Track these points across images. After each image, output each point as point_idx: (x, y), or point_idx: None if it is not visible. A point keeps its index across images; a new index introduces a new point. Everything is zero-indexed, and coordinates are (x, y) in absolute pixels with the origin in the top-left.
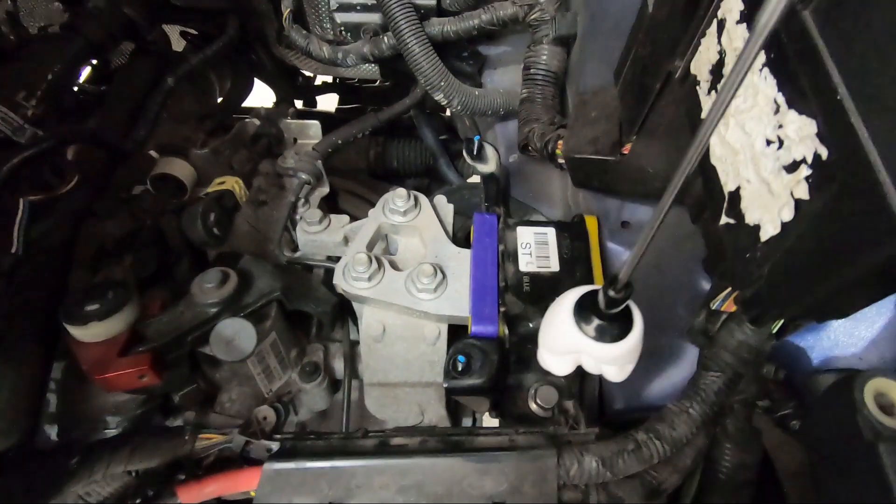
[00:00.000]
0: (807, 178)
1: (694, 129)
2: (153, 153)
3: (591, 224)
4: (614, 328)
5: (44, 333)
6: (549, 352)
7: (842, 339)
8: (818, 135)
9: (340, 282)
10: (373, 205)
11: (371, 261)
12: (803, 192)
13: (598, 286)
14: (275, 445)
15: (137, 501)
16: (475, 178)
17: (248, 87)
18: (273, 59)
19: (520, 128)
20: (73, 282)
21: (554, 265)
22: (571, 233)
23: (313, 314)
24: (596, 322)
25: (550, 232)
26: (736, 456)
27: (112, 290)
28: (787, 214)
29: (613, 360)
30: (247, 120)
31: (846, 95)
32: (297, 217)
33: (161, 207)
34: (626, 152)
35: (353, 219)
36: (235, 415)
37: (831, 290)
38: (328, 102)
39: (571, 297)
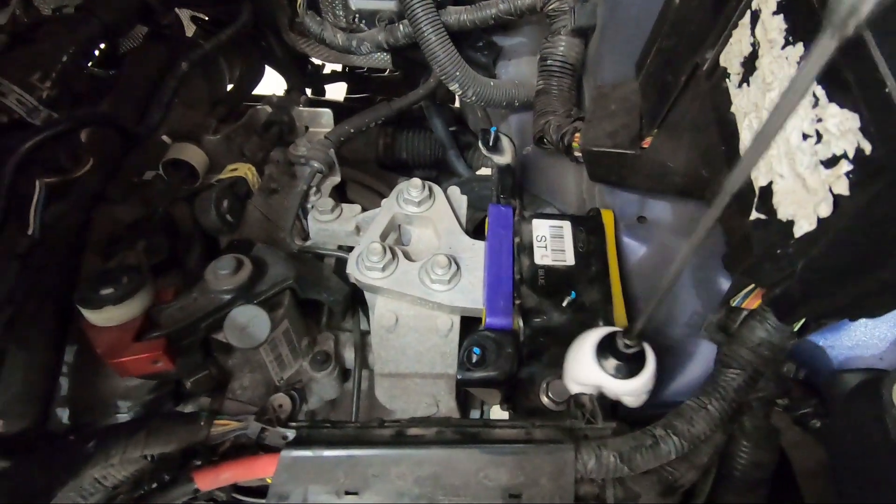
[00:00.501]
0: (847, 174)
1: (721, 123)
2: (165, 138)
3: (608, 218)
4: (630, 366)
5: (57, 317)
6: (574, 382)
7: (862, 338)
8: (861, 129)
9: (354, 271)
10: (381, 195)
11: (385, 251)
12: (843, 188)
13: (618, 328)
14: (290, 433)
15: (154, 485)
16: (485, 171)
17: (259, 74)
18: (284, 46)
19: (535, 120)
20: (85, 266)
21: (569, 259)
22: (587, 226)
23: (325, 303)
24: (614, 361)
25: (566, 225)
26: (752, 454)
27: (127, 275)
28: (825, 210)
29: (629, 393)
30: (258, 107)
31: (895, 88)
32: (309, 206)
33: (173, 193)
34: (645, 146)
35: (363, 209)
36: (247, 402)
37: (867, 290)
38: (336, 92)
39: (593, 337)
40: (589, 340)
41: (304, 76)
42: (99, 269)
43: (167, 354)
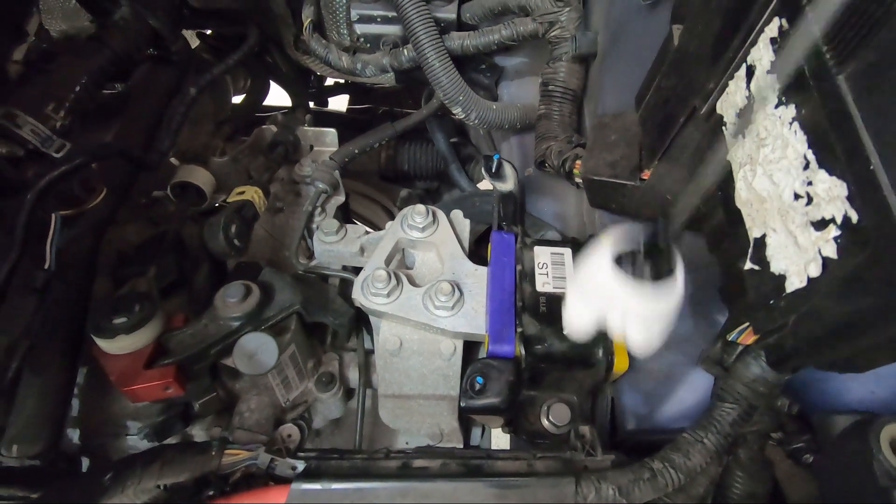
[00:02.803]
0: (836, 239)
1: (717, 168)
2: (173, 160)
3: None
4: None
5: (70, 341)
6: (580, 299)
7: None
8: (849, 198)
9: (359, 297)
10: (384, 207)
11: (390, 277)
12: (831, 252)
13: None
14: (299, 464)
15: None
16: (485, 184)
17: (264, 91)
18: (289, 62)
19: (537, 144)
20: (96, 289)
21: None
22: None
23: (331, 326)
24: (636, 265)
25: (567, 252)
26: (747, 485)
27: (139, 304)
28: (815, 270)
29: (643, 316)
30: (264, 127)
31: (879, 167)
32: (314, 226)
33: (182, 215)
34: (645, 178)
35: (364, 221)
36: (254, 425)
37: (855, 350)
38: (339, 102)
39: (604, 247)
40: (600, 251)
41: (307, 90)
42: (111, 296)
43: (177, 381)
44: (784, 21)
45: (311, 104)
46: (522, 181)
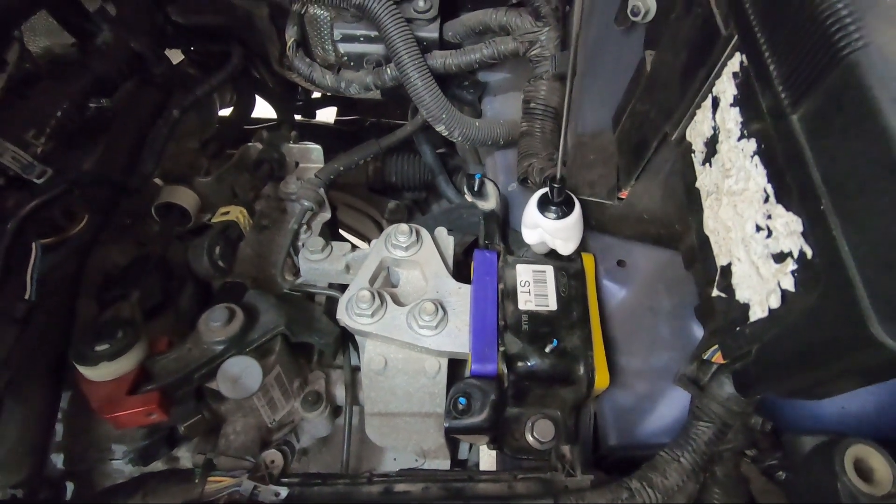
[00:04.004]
0: (793, 272)
1: (688, 192)
2: (157, 180)
3: (588, 262)
4: (559, 210)
5: (53, 367)
6: (526, 227)
7: None
8: (804, 234)
9: (344, 317)
10: (371, 218)
11: (374, 297)
12: (790, 285)
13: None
14: (283, 490)
15: None
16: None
17: (251, 106)
18: (275, 76)
19: (519, 161)
20: (81, 311)
21: (552, 304)
22: (569, 271)
23: (316, 345)
24: (551, 207)
25: (549, 270)
26: (723, 501)
27: (121, 330)
28: (775, 302)
29: (561, 231)
30: (249, 145)
31: (829, 208)
32: (300, 244)
33: (166, 237)
34: (623, 197)
35: (353, 232)
36: (240, 447)
37: (813, 381)
38: (326, 114)
39: (536, 194)
40: (535, 196)
41: (294, 105)
42: (94, 321)
43: (161, 407)
44: (744, 58)
45: (299, 116)
46: (506, 196)
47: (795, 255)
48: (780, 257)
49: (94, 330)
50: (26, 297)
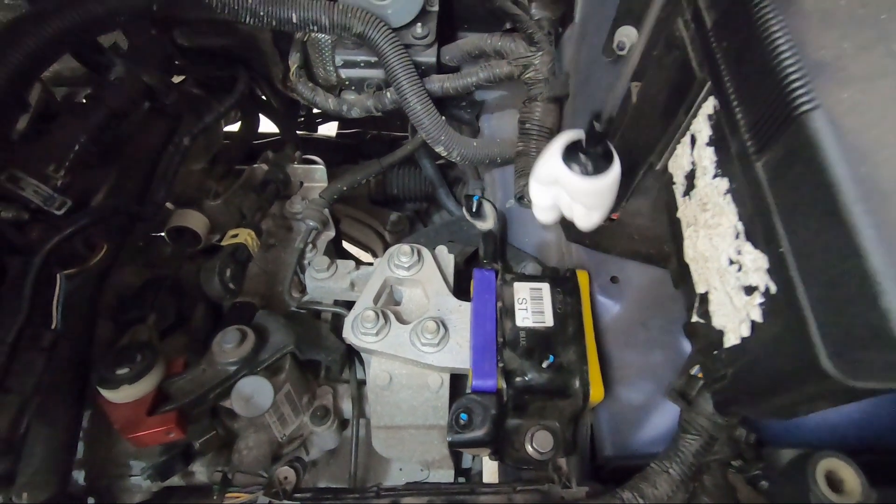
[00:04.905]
0: (760, 305)
1: (671, 220)
2: (168, 205)
3: (583, 279)
4: (592, 165)
5: (75, 388)
6: (536, 180)
7: None
8: (769, 270)
9: (350, 336)
10: (373, 229)
11: (378, 317)
12: (758, 316)
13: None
14: None
15: None
16: None
17: (255, 125)
18: (278, 95)
19: (516, 180)
20: (98, 333)
21: (549, 320)
22: (565, 288)
23: (323, 362)
24: (580, 157)
25: (545, 287)
26: None
27: (140, 354)
28: (746, 331)
29: (584, 196)
30: (255, 166)
31: (787, 250)
32: (306, 262)
33: (178, 259)
34: (615, 218)
35: (357, 243)
36: (253, 461)
37: (780, 405)
38: (329, 126)
39: (566, 135)
40: (561, 137)
41: (296, 123)
42: (113, 345)
43: (179, 425)
44: (717, 102)
45: (301, 131)
46: (504, 213)
47: (762, 289)
48: (749, 290)
49: (115, 354)
50: (53, 326)
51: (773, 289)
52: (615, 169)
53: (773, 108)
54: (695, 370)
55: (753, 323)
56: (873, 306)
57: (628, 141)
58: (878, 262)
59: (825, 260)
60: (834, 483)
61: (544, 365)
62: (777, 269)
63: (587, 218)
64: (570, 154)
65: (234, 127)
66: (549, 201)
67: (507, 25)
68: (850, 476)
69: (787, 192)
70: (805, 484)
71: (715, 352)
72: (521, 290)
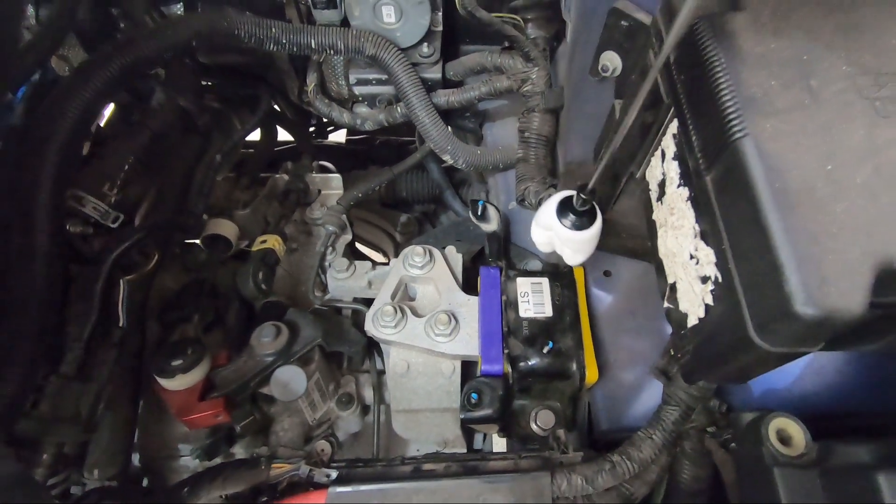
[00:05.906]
0: (712, 291)
1: (648, 222)
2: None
3: (579, 274)
4: (578, 220)
5: (133, 379)
6: (536, 224)
7: (775, 375)
8: (716, 263)
9: (371, 329)
10: (384, 231)
11: (396, 311)
12: (710, 300)
13: (573, 192)
14: (333, 473)
15: None
16: None
17: (274, 137)
18: (293, 107)
19: (517, 185)
20: (147, 333)
21: (548, 311)
22: (562, 282)
23: (346, 353)
24: (570, 213)
25: (545, 282)
26: (692, 470)
27: (190, 348)
28: (702, 312)
29: (570, 243)
30: (276, 176)
31: (727, 247)
32: (327, 264)
33: (215, 264)
34: (606, 218)
35: (369, 244)
36: (288, 441)
37: (728, 371)
38: (338, 132)
39: (561, 194)
40: (555, 197)
41: (311, 133)
42: (165, 340)
43: (225, 410)
44: (678, 124)
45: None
46: (507, 214)
47: (713, 278)
48: (704, 279)
49: (168, 348)
50: (120, 324)
51: (720, 278)
52: (597, 225)
53: (716, 133)
54: (673, 351)
55: (707, 306)
56: (780, 290)
57: (616, 150)
58: (784, 256)
59: (751, 255)
60: (784, 439)
61: (545, 351)
62: (721, 262)
63: (573, 258)
64: (563, 209)
65: (252, 135)
66: (546, 240)
67: (506, 43)
68: (797, 432)
69: (727, 202)
70: (759, 440)
71: (682, 331)
72: (524, 284)
